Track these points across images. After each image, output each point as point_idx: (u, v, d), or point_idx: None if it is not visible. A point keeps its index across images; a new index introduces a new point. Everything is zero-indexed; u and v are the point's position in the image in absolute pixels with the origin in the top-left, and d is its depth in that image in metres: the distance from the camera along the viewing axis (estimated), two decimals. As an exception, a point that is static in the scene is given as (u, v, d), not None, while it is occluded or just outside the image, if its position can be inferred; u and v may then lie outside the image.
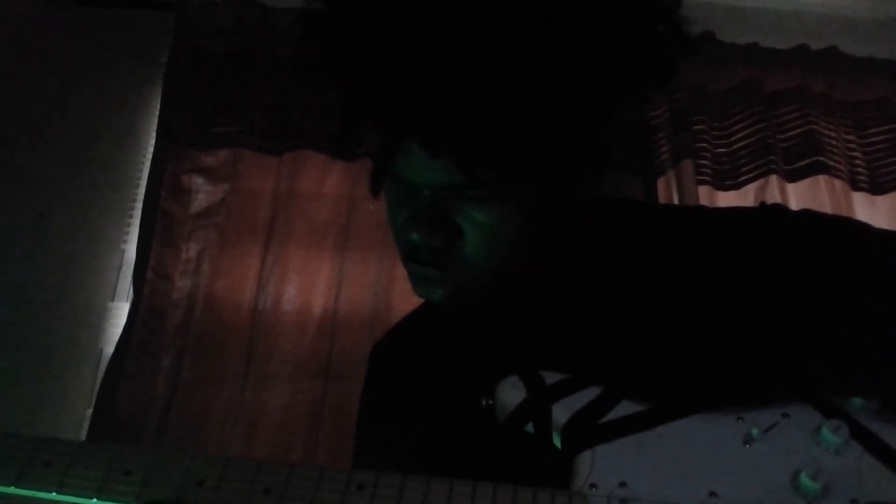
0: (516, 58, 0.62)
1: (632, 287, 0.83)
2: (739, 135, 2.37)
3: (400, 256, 0.78)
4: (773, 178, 2.26)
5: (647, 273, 0.83)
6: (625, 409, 0.73)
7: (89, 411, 1.91)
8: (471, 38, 0.61)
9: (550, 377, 0.75)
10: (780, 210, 0.90)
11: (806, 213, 0.90)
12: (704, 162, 2.31)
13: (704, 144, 2.33)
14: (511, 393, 0.75)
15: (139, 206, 2.15)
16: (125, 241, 2.19)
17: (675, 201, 2.21)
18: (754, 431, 0.71)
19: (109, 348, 2.00)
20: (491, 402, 0.76)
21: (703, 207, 0.97)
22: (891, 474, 0.68)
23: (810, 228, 0.84)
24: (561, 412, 0.73)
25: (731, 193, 2.31)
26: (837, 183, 2.29)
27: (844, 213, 2.21)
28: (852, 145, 2.40)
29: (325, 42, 0.69)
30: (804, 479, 0.67)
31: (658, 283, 0.82)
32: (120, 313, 2.06)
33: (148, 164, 2.19)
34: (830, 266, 0.79)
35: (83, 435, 1.90)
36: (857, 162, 2.37)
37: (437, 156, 0.67)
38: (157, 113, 2.26)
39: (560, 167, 0.71)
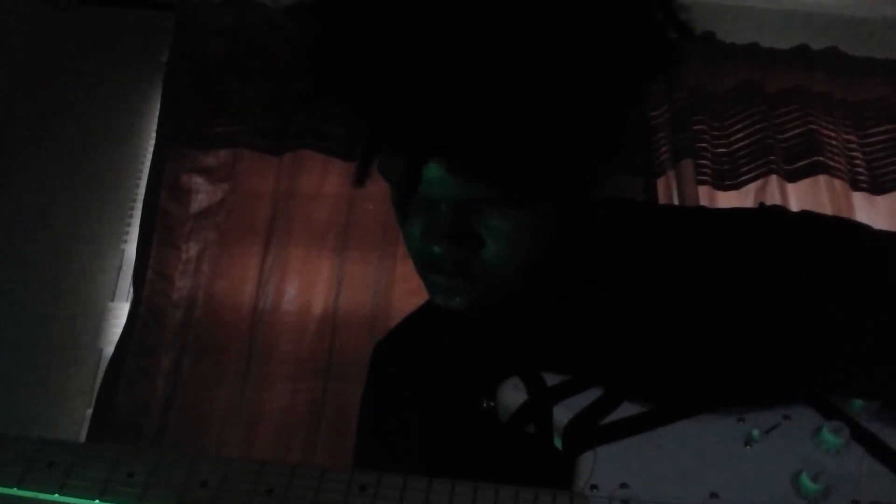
0: (543, 73, 0.61)
1: (632, 288, 0.83)
2: (739, 135, 2.37)
3: (417, 267, 0.77)
4: (773, 178, 2.26)
5: (648, 274, 0.83)
6: (626, 410, 0.73)
7: (89, 411, 1.91)
8: (496, 59, 0.60)
9: (551, 378, 0.75)
10: (780, 211, 0.90)
11: (805, 215, 0.90)
12: (704, 162, 2.31)
13: (704, 144, 2.33)
14: (512, 394, 0.75)
15: (139, 206, 2.15)
16: (125, 241, 2.19)
17: (675, 201, 2.21)
18: (755, 433, 0.71)
19: (109, 348, 2.00)
20: (492, 403, 0.76)
21: (703, 208, 0.97)
22: (892, 476, 0.68)
23: (810, 230, 0.84)
24: (562, 413, 0.73)
25: (731, 193, 2.31)
26: (837, 183, 2.29)
27: (844, 213, 2.21)
28: (852, 145, 2.40)
29: (339, 73, 0.65)
30: (805, 481, 0.67)
31: (658, 284, 0.82)
32: (120, 313, 2.06)
33: (148, 164, 2.19)
34: (830, 267, 0.79)
35: (83, 435, 1.90)
36: (857, 162, 2.38)
37: (466, 176, 0.66)
38: (157, 113, 2.25)
39: (584, 170, 0.71)
